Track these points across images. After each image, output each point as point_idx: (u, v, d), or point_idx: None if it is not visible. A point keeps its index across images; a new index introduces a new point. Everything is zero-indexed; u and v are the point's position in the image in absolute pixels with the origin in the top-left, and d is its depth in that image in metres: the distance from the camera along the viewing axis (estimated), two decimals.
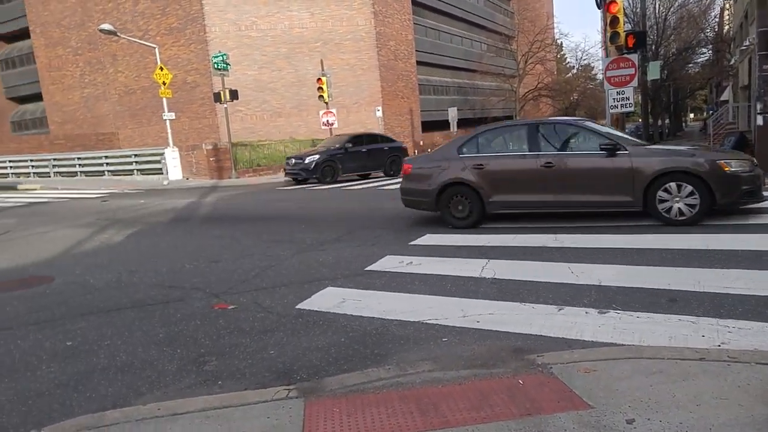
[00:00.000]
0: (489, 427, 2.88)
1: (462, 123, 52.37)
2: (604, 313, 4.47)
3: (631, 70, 14.18)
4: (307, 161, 19.89)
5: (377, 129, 32.38)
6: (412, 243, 7.73)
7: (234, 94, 24.18)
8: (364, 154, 21.22)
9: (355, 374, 3.69)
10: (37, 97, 44.19)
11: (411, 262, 6.64)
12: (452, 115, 35.11)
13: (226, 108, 24.59)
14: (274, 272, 6.46)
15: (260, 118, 34.10)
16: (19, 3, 44.08)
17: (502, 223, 8.73)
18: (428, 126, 46.98)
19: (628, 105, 14.59)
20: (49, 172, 27.80)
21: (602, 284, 5.16)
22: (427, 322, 4.62)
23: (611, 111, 14.90)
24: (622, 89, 14.35)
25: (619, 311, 4.47)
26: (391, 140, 23.29)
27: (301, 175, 19.97)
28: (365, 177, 21.64)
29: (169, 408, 3.23)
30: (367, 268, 6.42)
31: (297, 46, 33.81)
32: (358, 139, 21.63)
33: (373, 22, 35.08)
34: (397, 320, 4.69)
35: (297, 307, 5.16)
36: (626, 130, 15.98)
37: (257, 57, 33.37)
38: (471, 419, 2.98)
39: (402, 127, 38.53)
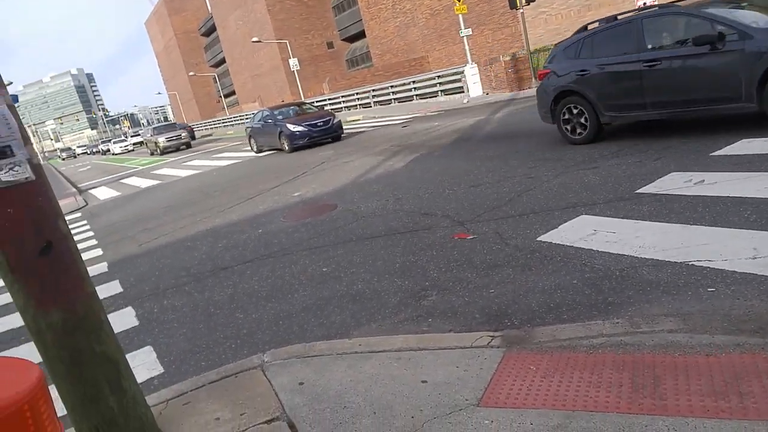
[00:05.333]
0: (721, 425, 2.11)
1: None
2: None
3: None
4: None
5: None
6: (714, 153, 6.18)
7: None
8: None
9: (572, 326, 3.16)
10: (362, 35, 49.77)
11: (702, 181, 5.33)
12: None
13: (522, 13, 23.52)
14: (529, 197, 5.98)
15: (566, 17, 31.42)
16: None
17: None
18: None
19: None
20: (369, 102, 31.49)
21: None
22: (695, 263, 3.64)
23: None
24: None
25: None
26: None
27: None
28: None
29: (370, 344, 3.30)
30: (638, 191, 5.40)
31: None
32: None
33: None
34: (652, 260, 3.82)
35: (538, 239, 4.68)
36: None
37: None
38: (699, 409, 2.23)
39: None
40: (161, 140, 31.66)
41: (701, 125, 7.82)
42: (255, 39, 43.23)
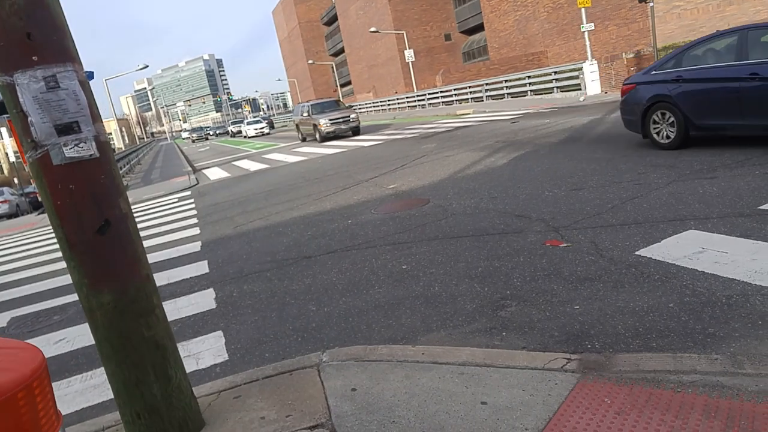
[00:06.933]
0: None
1: None
2: None
3: None
4: None
5: None
6: None
7: None
8: None
9: (659, 357, 2.80)
10: (481, 27, 48.74)
11: None
12: None
13: (651, 6, 21.75)
14: (634, 205, 5.45)
15: (703, 12, 28.68)
16: None
17: None
18: None
19: None
20: (482, 96, 30.75)
21: None
22: None
23: None
24: None
25: None
26: None
27: None
28: None
29: (433, 354, 3.12)
30: (762, 206, 4.73)
31: None
32: None
33: None
34: None
35: (636, 252, 4.23)
36: None
37: None
38: None
39: None
40: (323, 122, 22.48)
41: None
42: (373, 29, 43.83)
